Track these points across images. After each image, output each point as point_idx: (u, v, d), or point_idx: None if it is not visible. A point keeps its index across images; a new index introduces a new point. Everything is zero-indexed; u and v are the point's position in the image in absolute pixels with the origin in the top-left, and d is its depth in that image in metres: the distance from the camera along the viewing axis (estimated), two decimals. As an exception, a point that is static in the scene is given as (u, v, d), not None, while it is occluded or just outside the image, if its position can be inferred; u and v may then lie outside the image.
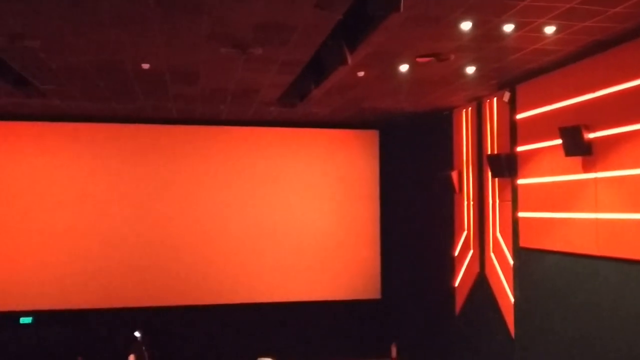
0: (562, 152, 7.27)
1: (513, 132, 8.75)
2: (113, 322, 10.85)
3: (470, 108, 10.15)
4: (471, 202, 10.12)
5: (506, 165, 8.72)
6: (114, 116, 11.03)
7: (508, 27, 6.13)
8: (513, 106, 8.74)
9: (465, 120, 10.34)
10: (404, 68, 7.71)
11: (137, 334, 9.20)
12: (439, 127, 10.98)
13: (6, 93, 8.92)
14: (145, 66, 7.62)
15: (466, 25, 6.07)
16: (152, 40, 6.57)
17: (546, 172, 7.95)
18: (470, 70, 7.87)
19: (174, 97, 9.49)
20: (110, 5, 5.50)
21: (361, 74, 8.01)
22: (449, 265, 10.62)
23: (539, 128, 8.06)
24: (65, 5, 5.51)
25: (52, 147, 11.29)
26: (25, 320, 10.86)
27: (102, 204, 11.36)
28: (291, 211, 12.05)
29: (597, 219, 6.94)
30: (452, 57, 7.18)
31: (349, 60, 6.60)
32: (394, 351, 11.81)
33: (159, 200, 11.58)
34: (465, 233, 10.26)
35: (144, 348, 9.06)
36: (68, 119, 11.07)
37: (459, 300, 10.35)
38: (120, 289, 11.20)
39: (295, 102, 9.49)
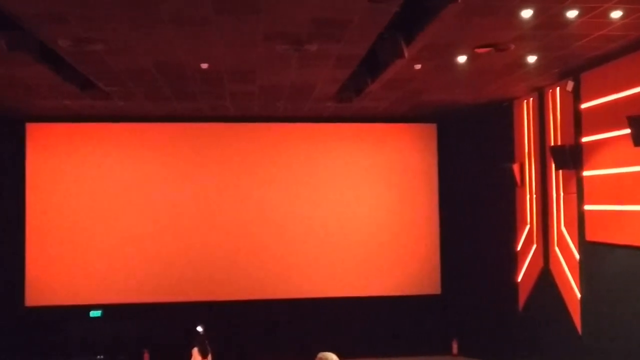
0: (630, 142, 6.96)
1: (577, 122, 8.46)
2: (177, 315, 11.14)
3: (531, 98, 9.88)
4: (534, 195, 9.85)
5: (570, 157, 8.44)
6: (174, 116, 11.31)
7: (571, 14, 5.91)
8: (577, 95, 8.44)
9: (526, 111, 10.07)
10: (462, 59, 7.58)
11: (199, 328, 9.41)
12: (499, 119, 10.73)
13: (74, 96, 9.30)
14: (204, 66, 7.78)
15: (527, 13, 5.90)
16: (210, 41, 6.70)
17: (614, 163, 7.65)
18: (532, 59, 7.65)
19: (232, 95, 9.65)
20: (170, 7, 5.64)
21: (418, 66, 7.91)
22: (511, 260, 10.38)
23: (606, 117, 7.76)
24: (127, 9, 5.69)
25: (117, 147, 11.68)
26: (95, 313, 11.30)
27: (166, 201, 11.67)
28: (349, 206, 12.04)
29: (669, 211, 6.63)
30: (512, 46, 7.00)
31: (406, 53, 6.54)
32: (454, 347, 11.64)
33: (221, 197, 11.80)
34: (527, 227, 10.00)
35: (206, 341, 9.25)
36: (131, 119, 11.43)
37: (522, 296, 10.10)
38: (184, 284, 11.50)
39: (352, 97, 9.48)
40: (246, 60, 7.56)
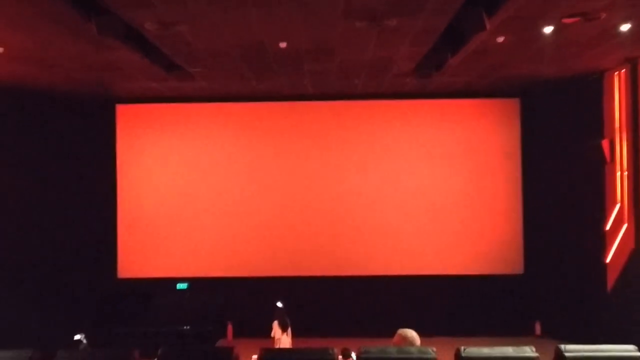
0: None
1: (675, 94, 7.93)
2: (259, 290, 11.47)
3: (623, 70, 9.34)
4: (625, 172, 9.36)
5: (667, 131, 7.95)
6: (254, 95, 11.53)
7: (671, -23, 5.53)
8: (675, 66, 7.91)
9: (617, 84, 9.54)
10: (547, 30, 7.26)
11: (279, 303, 9.66)
12: (587, 92, 10.22)
13: (160, 77, 9.66)
14: (283, 45, 7.87)
15: (620, -22, 5.58)
16: (290, 20, 6.76)
17: None
18: (624, 28, 7.22)
19: (310, 73, 9.71)
20: (251, -13, 5.73)
21: (500, 39, 7.66)
22: (600, 240, 9.94)
23: None
24: (211, -9, 5.83)
25: (201, 126, 12.07)
26: (181, 286, 11.83)
27: (249, 177, 11.98)
28: (429, 184, 11.90)
29: None
30: (603, 15, 6.63)
31: (487, 26, 6.35)
32: (538, 328, 11.34)
33: (301, 175, 11.97)
34: (618, 205, 9.53)
35: (286, 316, 9.49)
36: (213, 99, 11.75)
37: (611, 277, 9.68)
38: (267, 260, 11.79)
39: (431, 72, 9.32)
40: (325, 38, 7.58)
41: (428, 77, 9.64)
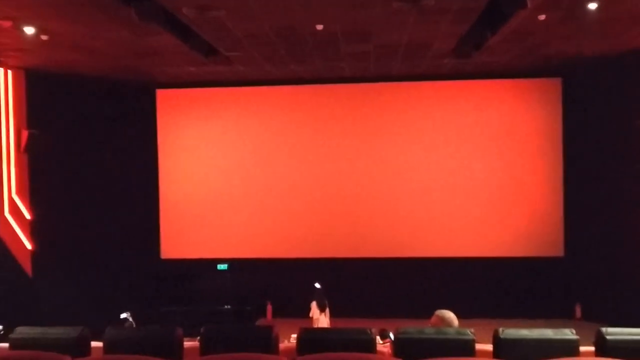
0: None
1: None
2: (297, 271, 11.61)
3: (672, 47, 9.01)
4: (672, 153, 9.08)
5: None
6: (291, 78, 11.56)
7: None
8: None
9: (666, 61, 9.22)
10: (592, 6, 7.05)
11: (317, 284, 9.76)
12: (632, 71, 9.90)
13: (198, 62, 9.78)
14: (319, 27, 7.86)
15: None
16: (326, 1, 6.74)
17: None
18: (673, 3, 6.96)
19: (347, 56, 9.68)
20: (288, -31, 5.73)
21: (542, 17, 7.47)
22: (644, 222, 9.70)
23: None
24: (247, -26, 5.86)
25: (240, 109, 12.20)
26: (221, 267, 12.06)
27: (287, 160, 12.06)
28: (467, 165, 11.77)
29: None
30: (651, -11, 6.41)
31: (529, 3, 6.21)
32: (578, 312, 11.18)
33: (340, 157, 11.97)
34: (664, 187, 9.27)
35: (324, 297, 9.59)
36: (251, 83, 11.83)
37: (656, 260, 9.45)
38: (305, 241, 11.92)
39: (470, 52, 9.16)
40: (362, 20, 7.53)
41: (467, 57, 9.48)
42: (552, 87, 11.66)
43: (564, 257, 11.57)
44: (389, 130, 11.93)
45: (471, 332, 3.91)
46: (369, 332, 3.96)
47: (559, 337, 3.84)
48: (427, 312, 5.14)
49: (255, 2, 6.76)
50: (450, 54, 9.48)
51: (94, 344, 4.05)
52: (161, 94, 12.22)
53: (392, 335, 4.19)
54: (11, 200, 10.08)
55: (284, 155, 12.08)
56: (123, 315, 8.61)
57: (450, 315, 4.82)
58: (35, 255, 10.51)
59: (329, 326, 9.10)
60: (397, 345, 3.94)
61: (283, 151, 12.09)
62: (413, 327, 3.98)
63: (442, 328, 4.44)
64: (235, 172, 12.15)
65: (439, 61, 10.14)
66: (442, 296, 9.97)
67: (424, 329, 4.04)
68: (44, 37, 7.93)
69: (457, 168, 11.80)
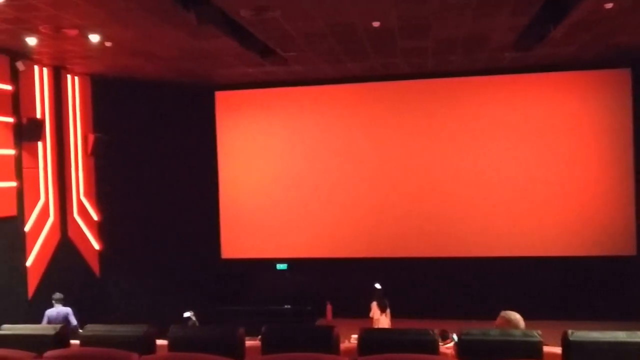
0: None
1: None
2: (357, 271, 11.54)
3: None
4: None
5: None
6: (348, 76, 11.52)
7: None
8: None
9: None
10: (664, -8, 6.69)
11: (377, 285, 9.70)
12: None
13: (255, 63, 9.89)
14: (376, 24, 7.79)
15: None
16: (382, -3, 6.67)
17: None
18: None
19: (404, 52, 9.56)
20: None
21: (609, 5, 7.14)
22: None
23: None
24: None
25: (297, 109, 12.25)
26: (281, 266, 12.16)
27: (346, 159, 12.02)
28: (532, 162, 11.40)
29: None
30: None
31: (595, -9, 5.94)
32: (652, 313, 10.64)
33: (399, 155, 11.84)
34: None
35: (385, 297, 9.52)
36: (308, 82, 11.86)
37: None
38: (365, 241, 11.84)
39: (532, 44, 8.87)
40: (418, 15, 7.42)
41: (528, 50, 9.19)
42: (620, 78, 11.16)
43: (637, 256, 11.04)
44: (447, 127, 11.71)
45: (538, 334, 3.75)
46: (431, 333, 3.87)
47: (632, 339, 3.63)
48: (490, 313, 5.00)
49: (311, 1, 6.75)
50: (510, 47, 9.21)
51: (158, 341, 4.13)
52: (220, 96, 12.42)
53: (455, 337, 4.09)
54: (79, 202, 10.47)
55: (342, 154, 12.05)
56: (186, 314, 8.80)
57: (516, 316, 4.66)
58: (102, 255, 10.89)
59: (389, 327, 9.02)
60: (461, 347, 3.83)
61: (341, 150, 12.06)
62: (477, 329, 3.85)
63: (508, 330, 4.30)
64: (293, 171, 12.21)
65: (499, 54, 9.87)
66: (506, 296, 9.70)
67: (489, 330, 3.91)
68: (107, 44, 8.20)
69: (520, 165, 11.46)
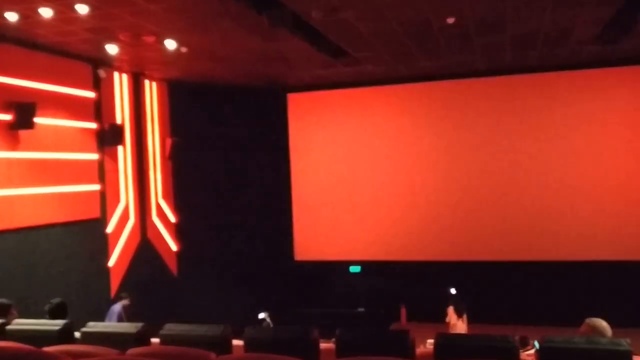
0: None
1: None
2: (431, 274, 11.32)
3: None
4: None
5: None
6: (421, 75, 11.32)
7: None
8: None
9: None
10: None
11: (452, 290, 9.47)
12: None
13: (327, 64, 9.89)
14: (450, 20, 7.60)
15: None
16: (456, -8, 6.50)
17: None
18: None
19: (480, 48, 9.28)
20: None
21: None
22: None
23: None
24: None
25: (369, 110, 12.14)
26: (354, 269, 12.09)
27: (421, 161, 11.81)
28: (614, 162, 10.80)
29: None
30: None
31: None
32: None
33: (477, 155, 11.51)
34: None
35: (462, 302, 9.27)
36: (380, 82, 11.74)
37: None
38: (439, 243, 11.59)
39: (618, 37, 8.39)
40: (495, 9, 7.17)
41: (613, 43, 8.69)
42: None
43: None
44: (526, 125, 11.26)
45: (627, 343, 3.50)
46: (511, 340, 3.69)
47: None
48: (573, 320, 4.75)
49: (384, 0, 6.66)
50: (595, 39, 8.75)
51: (234, 342, 4.17)
52: (292, 98, 12.51)
53: (537, 344, 3.89)
54: (158, 204, 10.81)
55: (415, 154, 11.85)
56: (261, 315, 8.89)
57: (602, 323, 4.40)
58: (179, 255, 11.20)
59: (466, 332, 8.77)
60: (543, 355, 3.64)
61: (414, 150, 11.86)
62: (560, 336, 3.65)
63: (594, 337, 4.05)
64: (366, 172, 12.11)
65: (582, 48, 9.42)
66: (590, 302, 9.25)
67: (573, 338, 3.68)
68: (183, 50, 8.42)
69: (606, 164, 10.88)
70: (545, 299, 10.83)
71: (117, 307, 8.52)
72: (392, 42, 8.65)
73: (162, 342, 4.18)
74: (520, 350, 4.56)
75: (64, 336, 4.11)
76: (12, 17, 6.64)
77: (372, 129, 12.10)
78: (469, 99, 11.58)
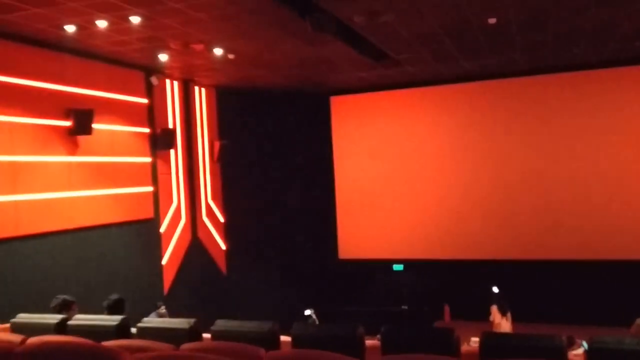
0: None
1: None
2: (475, 272, 11.31)
3: None
4: None
5: None
6: (462, 76, 11.31)
7: None
8: None
9: None
10: None
11: (495, 289, 9.41)
12: None
13: (368, 67, 10.00)
14: (492, 21, 7.61)
15: None
16: (498, -6, 6.52)
17: None
18: None
19: (522, 48, 9.23)
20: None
21: None
22: None
23: None
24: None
25: (411, 111, 12.23)
26: (397, 267, 12.17)
27: (463, 160, 11.83)
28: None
29: None
30: None
31: None
32: None
33: (518, 155, 11.45)
34: None
35: (505, 301, 9.22)
36: (421, 84, 11.79)
37: None
38: (482, 242, 11.58)
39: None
40: (538, 6, 7.15)
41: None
42: None
43: None
44: (572, 123, 11.12)
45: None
46: (559, 340, 3.65)
47: None
48: (622, 320, 4.75)
49: (425, 2, 6.75)
50: (642, 35, 8.60)
51: (282, 338, 4.31)
52: (335, 101, 12.69)
53: (585, 344, 3.91)
54: (207, 205, 11.16)
55: (457, 154, 11.86)
56: (307, 312, 9.07)
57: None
58: (228, 254, 11.52)
59: (510, 331, 8.76)
60: (592, 356, 3.62)
61: (456, 150, 11.86)
62: (610, 336, 3.61)
63: (647, 339, 4.01)
64: (408, 172, 12.19)
65: (629, 44, 9.24)
66: (633, 303, 9.09)
67: (624, 338, 3.60)
68: (230, 56, 8.69)
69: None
70: (591, 298, 10.65)
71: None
72: (432, 44, 8.71)
73: (213, 338, 4.30)
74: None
75: (122, 331, 4.28)
76: (70, 29, 7.02)
77: (413, 130, 12.17)
78: (509, 99, 11.50)
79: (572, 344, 6.51)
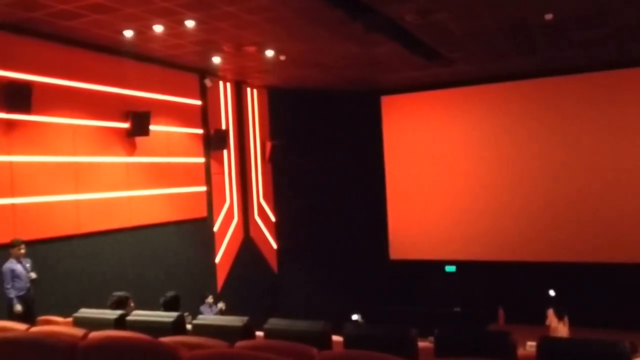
0: None
1: None
2: (529, 275, 11.03)
3: None
4: None
5: None
6: (515, 73, 11.06)
7: None
8: None
9: None
10: None
11: (551, 292, 9.16)
12: None
13: (420, 66, 9.90)
14: (548, 17, 7.42)
15: None
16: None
17: None
18: None
19: (579, 43, 8.95)
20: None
21: None
22: None
23: None
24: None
25: (463, 110, 12.03)
26: (449, 268, 12.00)
27: (517, 160, 11.56)
28: None
29: None
30: None
31: None
32: None
33: (572, 155, 11.13)
34: None
35: (562, 304, 8.96)
36: (473, 82, 11.60)
37: None
38: (537, 244, 11.28)
39: None
40: (596, 2, 6.92)
41: None
42: None
43: None
44: (630, 122, 10.69)
45: None
46: (622, 345, 3.43)
47: None
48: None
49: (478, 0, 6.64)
50: None
51: (333, 337, 4.30)
52: (385, 100, 12.63)
53: (649, 351, 3.72)
54: (259, 204, 11.30)
55: (511, 154, 11.59)
56: (354, 317, 9.01)
57: None
58: (280, 253, 11.63)
59: (568, 336, 8.50)
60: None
61: (510, 150, 11.60)
62: None
63: None
64: (460, 172, 12.00)
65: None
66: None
67: None
68: (282, 58, 8.78)
69: None
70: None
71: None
72: (485, 41, 8.56)
73: (265, 336, 4.32)
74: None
75: (177, 327, 4.32)
76: (128, 33, 7.24)
77: (465, 129, 11.97)
78: (564, 96, 11.16)
79: (635, 351, 6.25)
